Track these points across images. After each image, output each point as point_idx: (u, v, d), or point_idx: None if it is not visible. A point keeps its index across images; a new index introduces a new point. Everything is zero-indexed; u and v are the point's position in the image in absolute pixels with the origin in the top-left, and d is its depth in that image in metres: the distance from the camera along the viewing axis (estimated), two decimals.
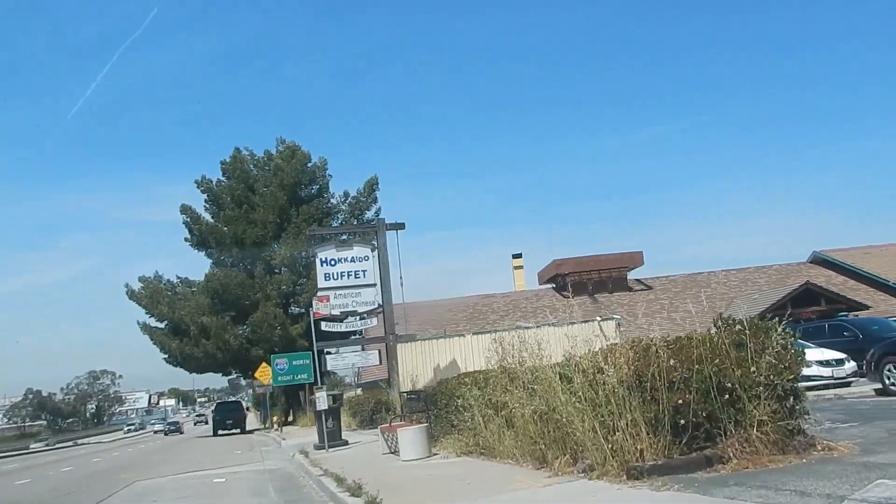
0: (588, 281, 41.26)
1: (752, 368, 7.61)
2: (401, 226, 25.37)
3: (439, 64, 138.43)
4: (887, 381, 13.76)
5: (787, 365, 7.73)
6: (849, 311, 30.52)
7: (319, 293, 23.33)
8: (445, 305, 41.83)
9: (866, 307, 31.31)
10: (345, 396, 30.86)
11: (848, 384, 16.49)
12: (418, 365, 25.92)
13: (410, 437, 11.94)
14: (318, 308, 21.13)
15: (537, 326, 20.16)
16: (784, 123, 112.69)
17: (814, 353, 16.76)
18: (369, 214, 42.66)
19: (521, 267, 48.43)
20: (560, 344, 10.17)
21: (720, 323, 8.38)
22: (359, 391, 38.06)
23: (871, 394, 14.54)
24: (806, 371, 16.41)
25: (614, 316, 30.27)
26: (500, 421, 10.33)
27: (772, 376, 7.61)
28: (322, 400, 16.39)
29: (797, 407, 7.78)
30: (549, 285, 44.30)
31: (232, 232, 41.08)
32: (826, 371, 16.52)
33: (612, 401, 7.58)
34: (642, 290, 41.67)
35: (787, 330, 7.83)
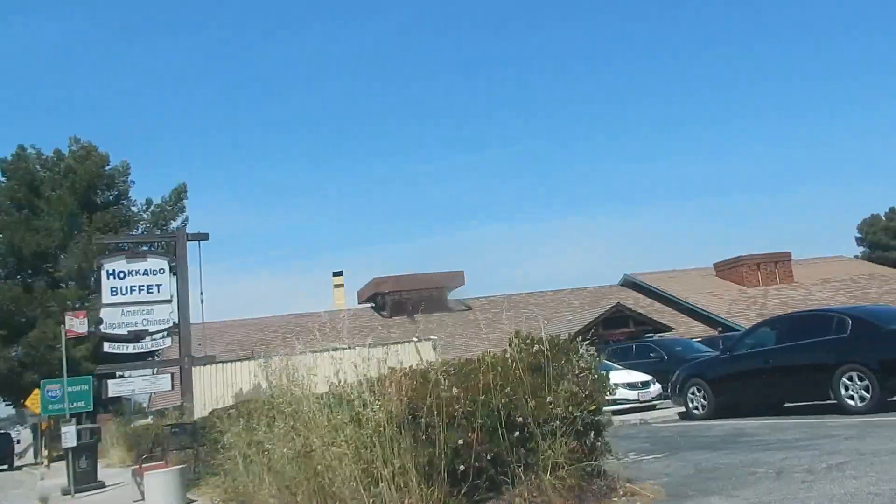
0: (408, 300, 40.07)
1: (549, 398, 6.30)
2: (204, 236, 22.75)
3: (258, 81, 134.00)
4: (690, 405, 13.28)
5: (588, 393, 6.49)
6: (655, 332, 31.32)
7: (77, 310, 20.26)
8: (256, 325, 39.03)
9: (670, 329, 32.34)
10: (136, 424, 27.54)
11: (653, 407, 16.10)
12: (218, 390, 23.41)
13: (158, 482, 9.74)
14: (73, 325, 18.08)
15: (350, 347, 18.60)
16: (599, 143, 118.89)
17: (620, 376, 16.27)
18: (175, 225, 39.13)
19: (341, 285, 46.47)
20: (365, 367, 8.51)
21: (516, 342, 7.07)
22: (150, 419, 34.38)
23: (675, 418, 14.07)
24: (613, 395, 15.93)
25: (431, 336, 29.13)
26: (262, 463, 8.47)
27: (571, 407, 6.32)
28: (70, 435, 13.66)
29: (598, 444, 6.55)
30: (369, 304, 42.71)
31: (8, 239, 36.06)
32: (632, 394, 16.05)
33: (376, 442, 5.96)
34: (462, 310, 41.10)
35: (590, 351, 6.62)
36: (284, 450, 7.35)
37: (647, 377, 16.63)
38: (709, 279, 40.97)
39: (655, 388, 16.35)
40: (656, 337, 29.00)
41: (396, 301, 39.94)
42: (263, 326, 38.64)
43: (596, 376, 6.63)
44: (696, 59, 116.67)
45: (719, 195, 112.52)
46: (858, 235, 71.13)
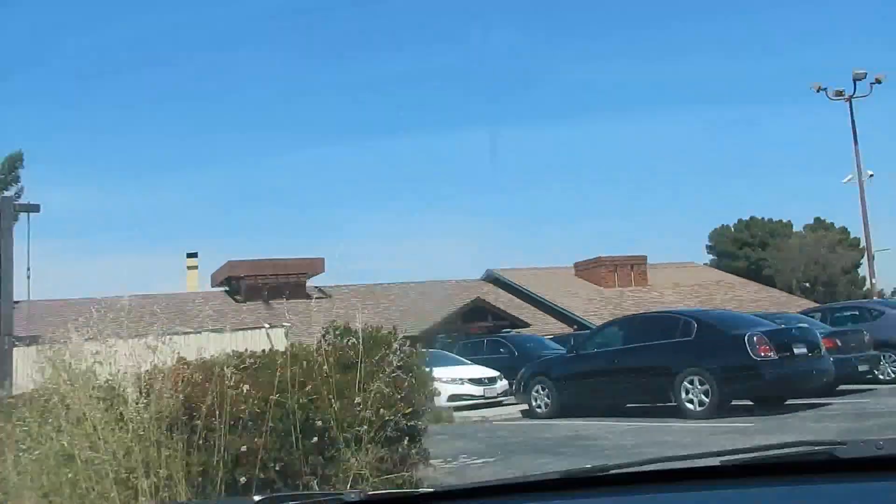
0: (264, 285, 38.35)
1: (357, 399, 5.46)
2: (34, 207, 20.26)
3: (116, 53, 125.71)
4: (534, 403, 12.90)
5: (403, 395, 5.71)
6: (513, 328, 31.39)
7: None
8: (91, 305, 36.06)
9: (527, 325, 32.55)
10: None
11: (499, 403, 15.69)
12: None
13: None
14: None
15: (197, 332, 17.21)
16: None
17: (467, 371, 15.78)
18: (8, 195, 35.51)
19: (195, 267, 43.91)
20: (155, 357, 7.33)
21: (330, 333, 6.19)
22: None
23: (517, 416, 13.66)
24: (458, 390, 15.44)
25: (284, 324, 27.74)
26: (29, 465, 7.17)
27: (382, 410, 5.52)
28: None
29: (413, 452, 5.79)
30: (222, 288, 40.57)
31: None
32: (478, 390, 15.58)
33: (136, 447, 4.91)
34: (321, 298, 39.77)
35: (404, 346, 5.82)
36: (45, 449, 6.13)
37: (494, 373, 16.23)
38: (569, 278, 41.73)
39: (502, 384, 15.96)
40: (513, 333, 28.96)
41: (251, 286, 38.12)
42: (101, 307, 35.79)
43: (414, 376, 5.87)
44: None
45: (587, 196, 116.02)
46: (709, 244, 75.38)
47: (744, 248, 74.31)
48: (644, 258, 41.04)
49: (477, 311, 31.42)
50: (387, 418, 5.50)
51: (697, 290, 40.22)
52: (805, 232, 72.37)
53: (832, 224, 77.55)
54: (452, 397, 14.71)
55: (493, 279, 42.40)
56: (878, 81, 25.28)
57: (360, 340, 5.78)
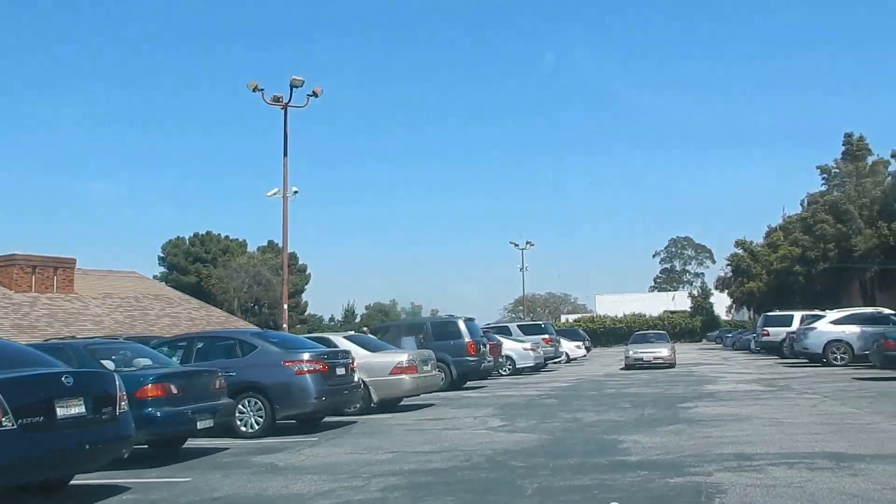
0: None
1: None
2: None
3: None
4: None
5: None
6: None
7: None
8: None
9: None
10: None
11: None
12: None
13: None
14: None
15: None
16: None
17: None
18: None
19: None
20: None
21: None
22: None
23: None
24: None
25: None
26: None
27: None
28: None
29: None
30: None
31: None
32: None
33: None
34: None
35: None
36: None
37: None
38: None
39: None
40: None
41: None
42: None
43: None
44: None
45: None
46: (161, 255, 71.93)
47: (196, 264, 72.79)
48: (73, 261, 35.52)
49: None
50: None
51: (132, 302, 36.33)
52: (257, 252, 74.41)
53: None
54: None
55: None
56: (315, 95, 25.14)
57: None
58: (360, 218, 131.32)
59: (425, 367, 15.10)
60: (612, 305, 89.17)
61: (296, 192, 25.77)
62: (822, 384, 17.09)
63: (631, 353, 28.09)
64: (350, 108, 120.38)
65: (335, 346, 14.26)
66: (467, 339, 20.27)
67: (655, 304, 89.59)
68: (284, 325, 25.46)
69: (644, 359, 27.15)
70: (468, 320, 21.59)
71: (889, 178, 28.96)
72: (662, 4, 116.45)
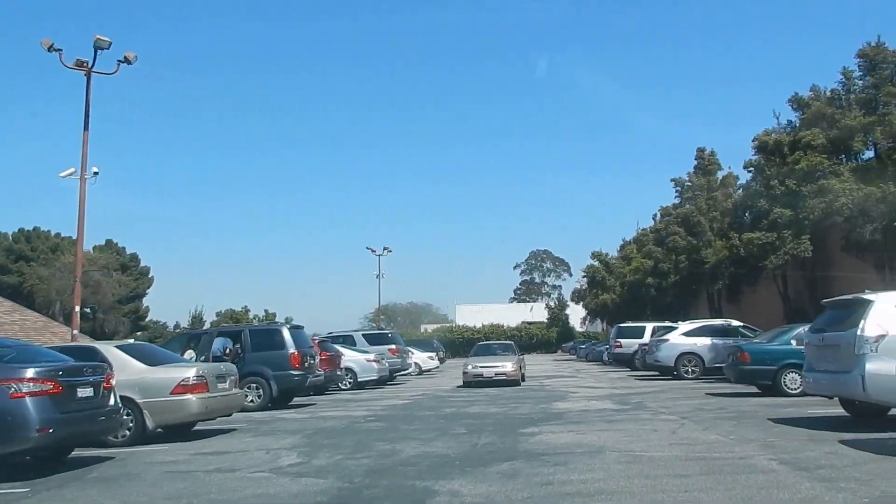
0: None
1: None
2: None
3: None
4: None
5: None
6: None
7: None
8: None
9: None
10: None
11: None
12: None
13: None
14: None
15: None
16: None
17: None
18: None
19: None
20: None
21: None
22: None
23: None
24: None
25: None
26: None
27: None
28: None
29: None
30: None
31: None
32: None
33: None
34: None
35: None
36: None
37: None
38: None
39: None
40: None
41: None
42: None
43: None
44: None
45: None
46: None
47: (20, 262, 65.19)
48: None
49: None
50: None
51: None
52: (93, 252, 67.30)
53: (123, 248, 74.73)
54: None
55: None
56: (128, 61, 21.61)
57: None
58: (211, 218, 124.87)
59: (221, 385, 12.24)
60: (472, 315, 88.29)
61: (96, 172, 22.01)
62: (677, 401, 15.63)
63: (470, 367, 23.90)
64: (200, 100, 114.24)
65: (103, 357, 11.24)
66: (291, 349, 17.46)
67: (514, 315, 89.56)
68: (75, 332, 21.53)
69: (484, 374, 23.18)
70: (294, 328, 18.82)
71: (740, 190, 28.87)
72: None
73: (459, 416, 13.99)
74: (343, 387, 24.39)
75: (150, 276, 78.25)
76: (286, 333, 17.85)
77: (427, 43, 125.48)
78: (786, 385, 15.80)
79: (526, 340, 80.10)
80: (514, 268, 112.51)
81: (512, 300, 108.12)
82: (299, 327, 19.34)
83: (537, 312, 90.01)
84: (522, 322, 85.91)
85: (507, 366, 23.52)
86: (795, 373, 15.75)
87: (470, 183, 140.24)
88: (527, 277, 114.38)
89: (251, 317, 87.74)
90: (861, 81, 21.58)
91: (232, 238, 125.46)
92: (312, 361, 18.36)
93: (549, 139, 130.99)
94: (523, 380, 24.47)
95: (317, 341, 23.12)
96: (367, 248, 61.08)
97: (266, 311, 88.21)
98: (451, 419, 13.42)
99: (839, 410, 11.38)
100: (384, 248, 60.31)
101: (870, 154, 21.56)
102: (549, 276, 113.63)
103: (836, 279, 25.97)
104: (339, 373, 23.14)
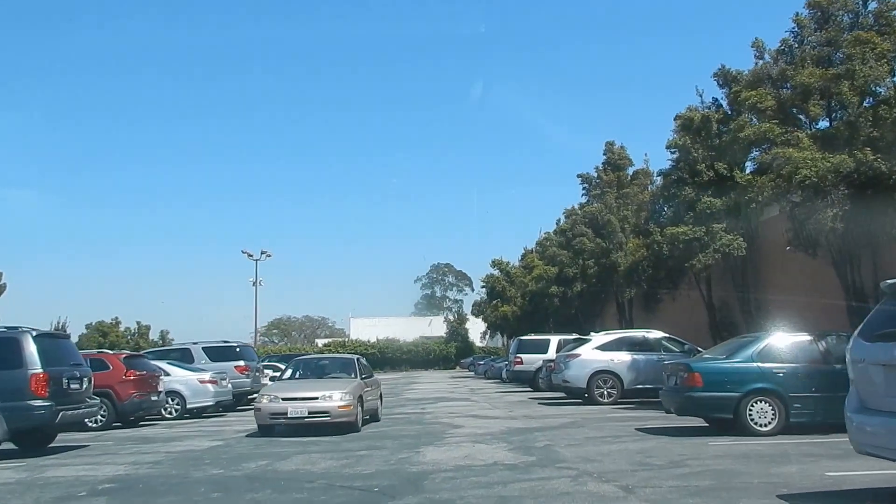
0: None
1: None
2: None
3: None
4: None
5: None
6: None
7: None
8: None
9: None
10: None
11: None
12: None
13: None
14: None
15: None
16: None
17: None
18: None
19: None
20: None
21: None
22: None
23: None
24: None
25: None
26: None
27: None
28: None
29: None
30: None
31: None
32: None
33: None
34: None
35: None
36: None
37: None
38: None
39: None
40: None
41: None
42: None
43: None
44: None
45: None
46: None
47: None
48: None
49: None
50: None
51: None
52: None
53: None
54: None
55: None
56: None
57: None
58: (84, 224, 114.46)
59: None
60: (367, 329, 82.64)
61: None
62: (602, 445, 10.65)
63: (266, 400, 13.69)
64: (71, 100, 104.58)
65: None
66: (33, 369, 11.48)
67: (412, 329, 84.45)
68: None
69: (290, 413, 13.27)
70: (48, 336, 12.68)
71: (659, 178, 24.83)
72: None
73: (254, 481, 8.42)
74: (168, 415, 18.68)
75: (1, 282, 68.88)
76: (27, 344, 11.75)
77: (331, 51, 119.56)
78: (752, 420, 11.08)
79: (423, 356, 75.25)
80: (416, 281, 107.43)
81: (413, 314, 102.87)
82: (59, 335, 13.35)
83: (436, 327, 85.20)
84: (420, 336, 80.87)
85: (331, 400, 13.34)
86: (765, 402, 11.12)
87: (372, 195, 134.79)
88: (428, 291, 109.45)
89: (122, 329, 79.17)
90: (814, 36, 17.71)
91: (105, 248, 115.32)
92: (76, 386, 12.40)
93: (461, 152, 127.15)
94: (364, 422, 14.46)
95: (123, 356, 17.38)
96: (243, 251, 54.20)
97: (139, 322, 79.84)
98: (237, 487, 7.90)
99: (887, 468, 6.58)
100: (262, 252, 53.74)
101: (825, 124, 17.63)
102: (450, 290, 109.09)
103: (776, 283, 22.09)
104: (156, 398, 17.41)
